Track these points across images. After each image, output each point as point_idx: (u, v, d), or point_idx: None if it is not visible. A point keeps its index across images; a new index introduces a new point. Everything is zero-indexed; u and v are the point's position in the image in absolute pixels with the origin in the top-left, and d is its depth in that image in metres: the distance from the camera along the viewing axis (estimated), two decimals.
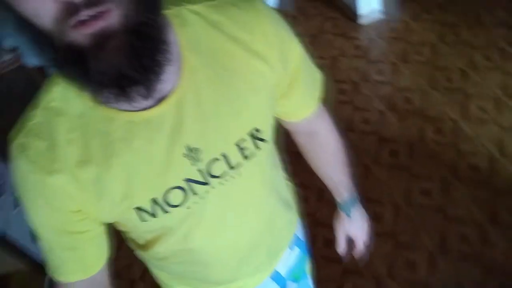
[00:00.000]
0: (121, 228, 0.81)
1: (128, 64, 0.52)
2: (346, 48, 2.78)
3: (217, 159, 0.72)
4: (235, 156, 0.73)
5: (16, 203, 2.19)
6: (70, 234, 0.72)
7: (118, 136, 0.65)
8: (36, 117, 0.65)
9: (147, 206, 0.71)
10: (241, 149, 0.73)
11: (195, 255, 0.84)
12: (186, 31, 0.66)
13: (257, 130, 0.74)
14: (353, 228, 1.11)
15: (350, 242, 1.12)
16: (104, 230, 0.78)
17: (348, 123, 2.41)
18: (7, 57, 2.82)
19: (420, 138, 2.25)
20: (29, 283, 2.13)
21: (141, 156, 0.67)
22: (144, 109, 0.64)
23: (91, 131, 0.65)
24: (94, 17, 0.49)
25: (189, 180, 0.71)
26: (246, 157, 0.75)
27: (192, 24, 0.66)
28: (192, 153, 0.69)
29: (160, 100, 0.64)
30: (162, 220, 0.73)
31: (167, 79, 0.62)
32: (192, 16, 0.67)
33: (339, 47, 2.79)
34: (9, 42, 2.62)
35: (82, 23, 0.49)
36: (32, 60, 2.59)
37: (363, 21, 2.86)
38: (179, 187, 0.71)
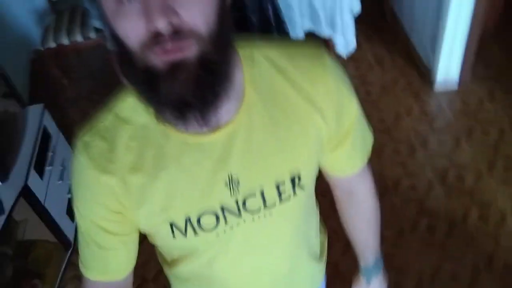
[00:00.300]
0: (152, 240, 0.86)
1: (192, 93, 0.59)
2: (413, 109, 2.74)
3: (254, 195, 0.75)
4: (272, 196, 0.76)
5: (62, 175, 2.31)
6: (105, 232, 0.78)
7: (171, 152, 0.71)
8: (106, 121, 0.73)
9: (181, 223, 0.75)
10: (279, 191, 0.76)
11: (215, 283, 0.88)
12: (253, 71, 0.71)
13: (299, 177, 0.77)
14: None
15: None
16: (136, 239, 0.83)
17: (394, 184, 2.36)
18: (92, 35, 2.99)
19: (462, 219, 2.18)
20: (51, 255, 2.23)
21: (186, 175, 0.72)
22: (200, 133, 0.69)
23: (149, 143, 0.71)
24: (175, 49, 0.56)
25: (224, 208, 0.75)
26: (281, 200, 0.77)
27: (259, 66, 0.72)
28: (232, 183, 0.73)
29: (215, 128, 0.69)
30: (191, 241, 0.77)
31: (226, 112, 0.68)
32: (262, 59, 0.72)
33: (406, 105, 2.76)
34: (98, 23, 2.78)
35: (164, 51, 0.56)
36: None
37: (438, 87, 2.82)
38: (214, 213, 0.75)
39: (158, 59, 0.57)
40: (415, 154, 2.51)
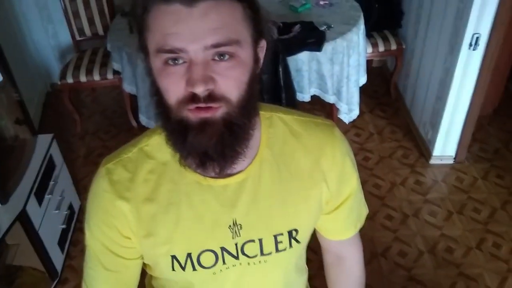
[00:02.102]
0: (151, 272, 0.91)
1: (213, 148, 0.68)
2: (408, 179, 2.81)
3: (253, 241, 0.82)
4: (269, 245, 0.83)
5: (60, 205, 2.35)
6: (113, 254, 0.83)
7: (184, 189, 0.79)
8: (130, 153, 0.81)
9: (182, 258, 0.81)
10: (276, 241, 0.83)
11: None
12: (269, 131, 0.81)
13: (296, 231, 0.84)
14: None
15: None
16: (140, 266, 0.88)
17: (384, 249, 2.39)
18: (110, 76, 3.12)
19: None
20: (37, 284, 2.22)
21: (194, 212, 0.79)
22: (213, 177, 0.77)
23: (166, 178, 0.79)
24: (206, 108, 0.65)
25: (224, 249, 0.81)
26: (278, 250, 0.83)
27: (276, 127, 0.82)
28: (235, 227, 0.81)
29: (227, 175, 0.77)
30: (188, 275, 0.83)
31: (240, 163, 0.76)
32: (279, 122, 0.83)
33: (402, 175, 2.83)
34: (116, 66, 2.92)
35: (197, 108, 0.65)
36: (129, 87, 2.86)
37: (434, 162, 2.90)
38: (214, 252, 0.81)
39: (191, 115, 0.66)
40: (407, 222, 2.55)
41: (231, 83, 0.66)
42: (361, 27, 2.76)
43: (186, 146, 0.69)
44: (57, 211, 2.32)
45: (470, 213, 2.60)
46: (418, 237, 2.47)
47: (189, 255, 0.80)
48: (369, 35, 3.08)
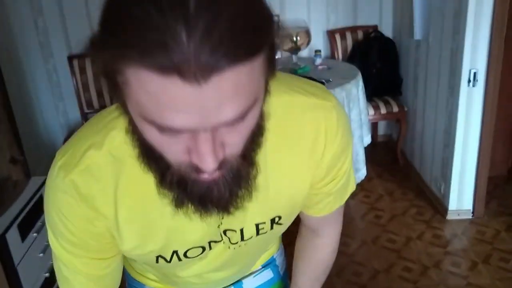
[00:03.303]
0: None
1: (218, 196, 0.56)
2: (425, 234, 2.59)
3: (234, 231, 0.74)
4: (250, 232, 0.76)
5: (46, 250, 2.19)
6: (97, 260, 0.72)
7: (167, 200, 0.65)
8: (98, 158, 0.64)
9: (168, 255, 0.74)
10: (258, 229, 0.76)
11: (177, 279, 0.87)
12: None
13: (279, 217, 0.76)
14: None
15: None
16: (121, 264, 0.79)
17: None
18: None
19: None
20: None
21: (180, 223, 0.67)
22: None
23: (146, 188, 0.65)
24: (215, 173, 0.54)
25: (211, 241, 0.75)
26: (258, 234, 0.77)
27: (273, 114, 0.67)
28: (221, 219, 0.71)
29: None
30: (173, 265, 0.77)
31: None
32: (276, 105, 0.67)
33: (418, 231, 2.62)
34: None
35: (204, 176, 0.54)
36: None
37: (451, 217, 2.70)
38: (201, 246, 0.74)
39: (197, 177, 0.54)
40: (428, 273, 2.29)
41: (240, 143, 0.53)
42: (360, 83, 2.81)
43: (186, 196, 0.57)
44: (41, 255, 2.14)
45: (497, 262, 2.34)
46: (441, 287, 2.19)
47: (175, 252, 0.73)
48: (370, 99, 3.12)
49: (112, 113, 0.65)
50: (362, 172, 2.88)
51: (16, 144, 2.27)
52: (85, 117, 3.33)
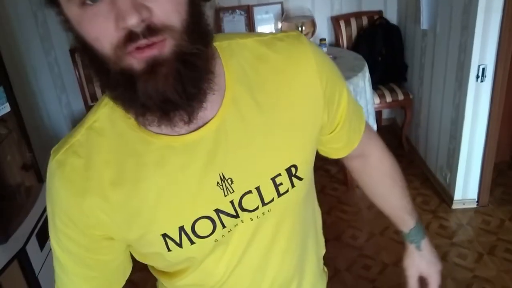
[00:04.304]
0: (148, 262, 0.79)
1: (173, 90, 0.55)
2: (431, 224, 2.65)
3: (250, 192, 0.70)
4: (269, 191, 0.71)
5: None
6: (89, 258, 0.71)
7: (152, 160, 0.66)
8: (79, 135, 0.67)
9: (175, 234, 0.68)
10: (276, 184, 0.71)
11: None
12: (232, 62, 0.68)
13: (295, 168, 0.72)
14: (426, 265, 1.00)
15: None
16: (126, 259, 0.77)
17: None
18: None
19: None
20: None
21: (172, 181, 0.66)
22: (183, 134, 0.65)
23: (127, 151, 0.66)
24: (150, 45, 0.53)
25: (219, 211, 0.69)
26: (280, 194, 0.72)
27: (239, 56, 0.69)
28: (225, 182, 0.68)
29: (199, 126, 0.65)
30: (188, 251, 0.70)
31: (210, 107, 0.65)
32: (240, 49, 0.70)
33: (424, 221, 2.68)
34: None
35: (138, 49, 0.53)
36: None
37: (456, 206, 2.76)
38: (209, 217, 0.69)
39: (133, 59, 0.54)
40: None
41: (168, 7, 0.54)
42: (366, 74, 2.80)
43: (138, 98, 0.56)
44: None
45: (502, 254, 2.40)
46: (448, 280, 2.26)
47: (181, 228, 0.68)
48: (375, 87, 3.12)
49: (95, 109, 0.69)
50: None
51: (28, 150, 2.28)
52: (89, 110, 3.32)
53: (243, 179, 0.68)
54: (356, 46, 3.30)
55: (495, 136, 2.56)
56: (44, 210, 2.14)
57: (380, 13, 3.39)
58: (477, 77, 2.40)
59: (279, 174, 0.71)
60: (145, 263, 0.80)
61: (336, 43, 3.40)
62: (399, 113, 3.55)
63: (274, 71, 0.69)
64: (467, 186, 2.72)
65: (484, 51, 2.34)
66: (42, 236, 2.08)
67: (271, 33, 0.74)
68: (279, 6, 3.31)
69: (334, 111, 0.77)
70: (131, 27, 0.51)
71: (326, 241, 0.98)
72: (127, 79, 0.55)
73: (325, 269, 1.00)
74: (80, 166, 0.65)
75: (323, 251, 0.97)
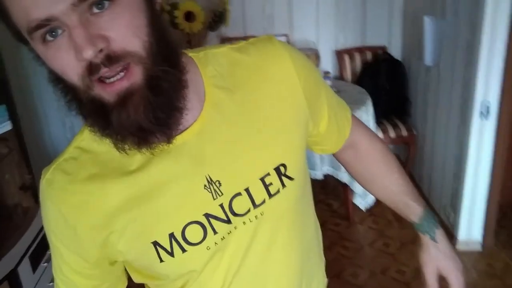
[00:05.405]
0: (145, 280, 0.79)
1: (145, 118, 0.57)
2: None
3: (239, 194, 0.69)
4: (259, 192, 0.70)
5: None
6: (82, 275, 0.73)
7: (135, 167, 0.66)
8: (66, 154, 0.69)
9: (165, 242, 0.67)
10: (265, 184, 0.70)
11: None
12: (209, 69, 0.70)
13: (284, 167, 0.71)
14: (444, 260, 0.91)
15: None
16: (121, 276, 0.78)
17: None
18: None
19: None
20: None
21: (158, 187, 0.66)
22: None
23: (113, 164, 0.67)
24: (120, 79, 0.55)
25: (209, 216, 0.68)
26: (270, 195, 0.71)
27: (215, 63, 0.71)
28: (213, 185, 0.68)
29: (180, 130, 0.66)
30: (181, 261, 0.69)
31: (191, 114, 0.65)
32: (216, 57, 0.72)
33: None
34: None
35: (102, 82, 0.55)
36: None
37: (460, 247, 2.70)
38: (198, 222, 0.68)
39: (104, 92, 0.56)
40: None
41: (126, 32, 0.54)
42: (370, 108, 2.80)
43: (114, 129, 0.58)
44: (51, 284, 2.13)
45: None
46: None
47: (172, 236, 0.67)
48: (378, 122, 3.12)
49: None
50: (371, 197, 2.88)
51: (27, 171, 2.26)
52: None
53: (231, 181, 0.68)
54: (360, 80, 3.32)
55: (500, 176, 2.53)
56: (40, 231, 2.10)
57: (384, 48, 3.42)
58: (481, 114, 2.39)
59: (268, 174, 0.70)
60: (143, 282, 0.79)
61: (340, 77, 3.42)
62: (402, 149, 3.53)
63: (250, 72, 0.71)
64: (471, 227, 2.66)
65: (488, 88, 2.34)
66: (36, 258, 2.03)
67: (243, 41, 0.76)
68: (284, 38, 3.35)
69: (317, 105, 0.78)
70: (90, 59, 0.53)
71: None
72: (99, 108, 0.57)
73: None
74: (66, 182, 0.67)
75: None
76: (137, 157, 0.66)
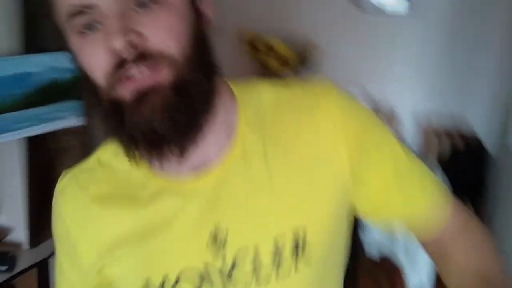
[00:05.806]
0: None
1: (161, 119, 0.53)
2: None
3: (244, 257, 0.60)
4: (266, 262, 0.60)
5: None
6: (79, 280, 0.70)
7: (145, 198, 0.63)
8: (85, 163, 0.68)
9: (157, 281, 0.62)
10: (276, 257, 0.60)
11: None
12: (249, 109, 0.64)
13: (304, 232, 0.61)
14: None
15: None
16: None
17: None
18: None
19: None
20: None
21: (164, 225, 0.62)
22: (184, 177, 0.62)
23: (124, 191, 0.64)
24: (144, 75, 0.52)
25: (207, 272, 0.61)
26: (278, 274, 0.60)
27: (257, 98, 0.65)
28: (219, 235, 0.61)
29: (198, 169, 0.61)
30: None
31: (214, 150, 0.61)
32: (261, 90, 0.66)
33: None
34: None
35: (129, 78, 0.52)
36: None
37: None
38: (195, 274, 0.61)
39: (124, 89, 0.53)
40: None
41: (164, 33, 0.52)
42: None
43: (126, 128, 0.54)
44: None
45: None
46: None
47: (165, 277, 0.61)
48: None
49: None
50: None
51: None
52: None
53: (241, 238, 0.60)
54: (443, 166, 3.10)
55: None
56: None
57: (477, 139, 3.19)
58: None
59: (283, 244, 0.60)
60: None
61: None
62: None
63: (295, 118, 0.63)
64: None
65: None
66: None
67: (297, 80, 0.69)
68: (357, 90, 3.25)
69: (367, 167, 0.64)
70: (119, 52, 0.51)
71: None
72: (116, 109, 0.54)
73: None
74: (76, 194, 0.66)
75: None
76: (150, 184, 0.63)
